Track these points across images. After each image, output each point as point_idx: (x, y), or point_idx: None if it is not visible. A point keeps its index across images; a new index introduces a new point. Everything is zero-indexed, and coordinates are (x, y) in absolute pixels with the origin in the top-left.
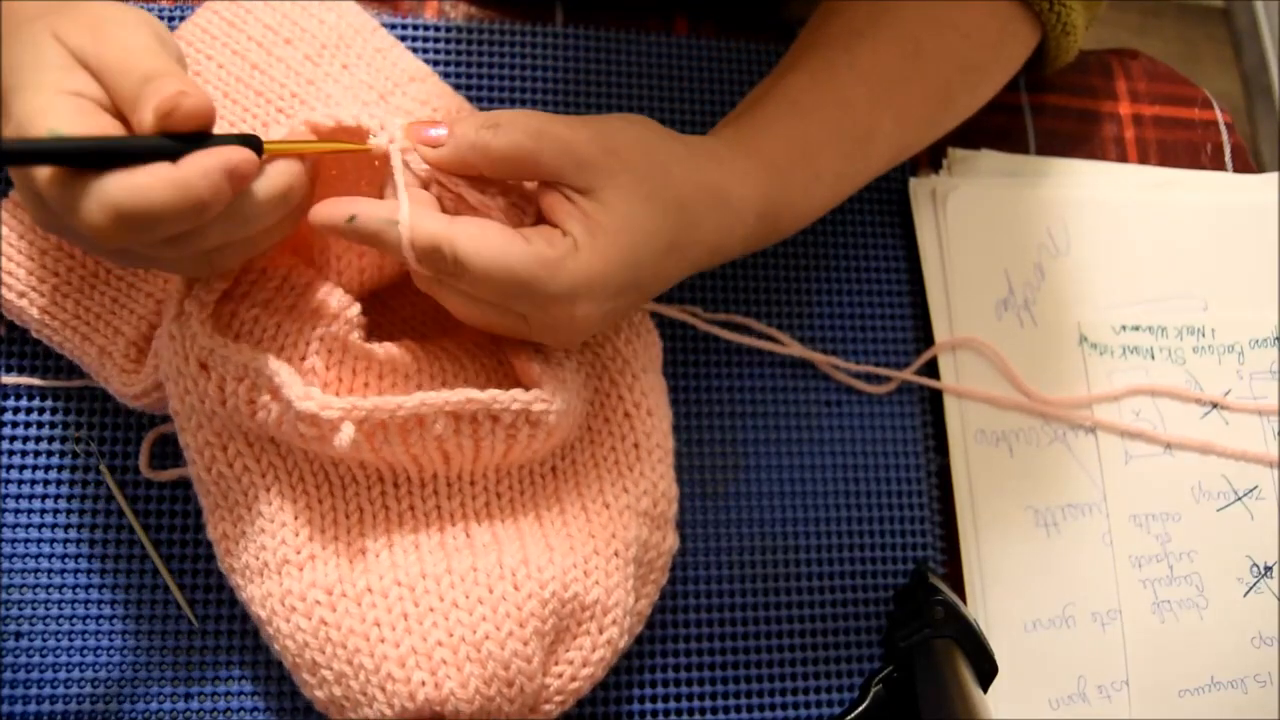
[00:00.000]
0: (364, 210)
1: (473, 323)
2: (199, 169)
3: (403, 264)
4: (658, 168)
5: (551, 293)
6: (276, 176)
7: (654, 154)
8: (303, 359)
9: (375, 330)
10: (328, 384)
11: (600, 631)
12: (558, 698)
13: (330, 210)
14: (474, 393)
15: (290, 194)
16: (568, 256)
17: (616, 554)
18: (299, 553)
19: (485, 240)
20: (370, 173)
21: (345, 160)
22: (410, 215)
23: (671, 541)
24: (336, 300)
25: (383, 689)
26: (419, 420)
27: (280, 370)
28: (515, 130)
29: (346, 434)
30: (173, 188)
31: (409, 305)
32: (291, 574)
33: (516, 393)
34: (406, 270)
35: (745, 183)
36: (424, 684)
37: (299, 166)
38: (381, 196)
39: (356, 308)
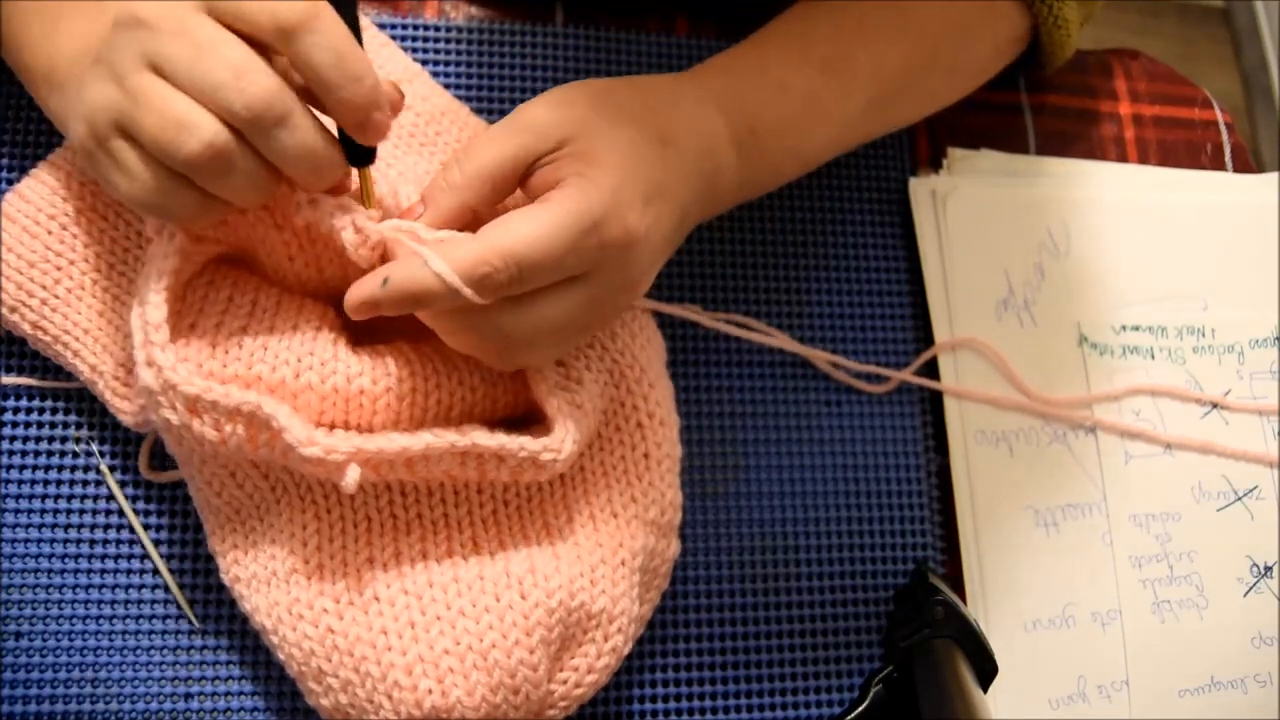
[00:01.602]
0: (393, 271)
1: (557, 352)
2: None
3: (372, 265)
4: (604, 95)
5: (598, 220)
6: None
7: (595, 89)
8: (296, 376)
9: (363, 332)
10: (325, 397)
11: (605, 640)
12: (562, 704)
13: (361, 287)
14: (482, 438)
15: (331, 182)
16: (585, 185)
17: (623, 563)
18: (307, 562)
19: (521, 227)
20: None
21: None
22: (439, 255)
23: (675, 549)
24: (312, 311)
25: (389, 697)
26: (424, 455)
27: (278, 412)
28: (473, 152)
29: (353, 476)
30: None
31: None
32: (299, 583)
33: (525, 441)
34: (374, 266)
35: (697, 88)
36: (430, 692)
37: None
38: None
39: (331, 314)
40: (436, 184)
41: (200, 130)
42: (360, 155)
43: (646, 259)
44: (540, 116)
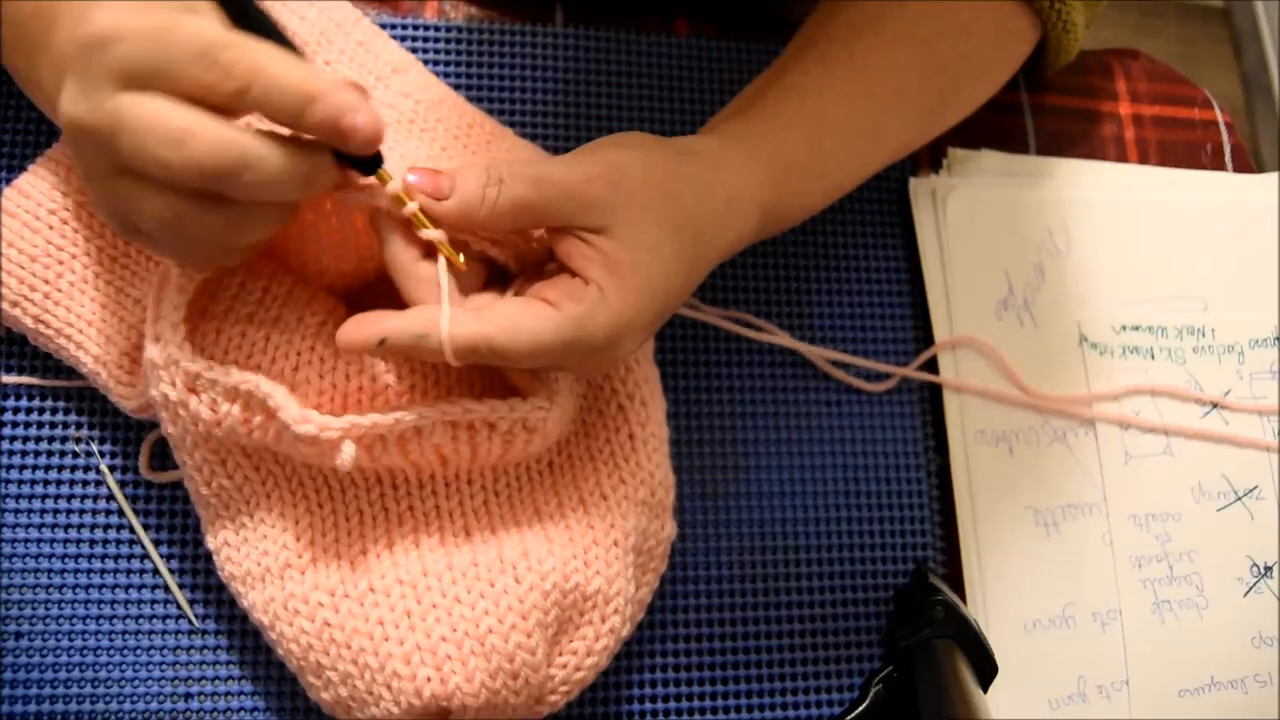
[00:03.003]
0: (394, 330)
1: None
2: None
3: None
4: (664, 192)
5: (592, 346)
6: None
7: (659, 179)
8: (295, 369)
9: None
10: (323, 391)
11: (603, 621)
12: (563, 688)
13: (358, 334)
14: (472, 405)
15: (312, 182)
16: (597, 307)
17: (616, 543)
18: (301, 556)
19: (518, 326)
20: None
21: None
22: (446, 326)
23: (670, 529)
24: (321, 305)
25: (389, 687)
26: (417, 431)
27: (275, 392)
28: (517, 185)
29: (348, 453)
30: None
31: (395, 301)
32: (294, 578)
33: (514, 402)
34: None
35: (750, 182)
36: (430, 680)
37: (335, 174)
38: (366, 223)
39: (341, 310)
40: (474, 195)
41: (190, 229)
42: (364, 164)
43: (624, 358)
44: (592, 193)
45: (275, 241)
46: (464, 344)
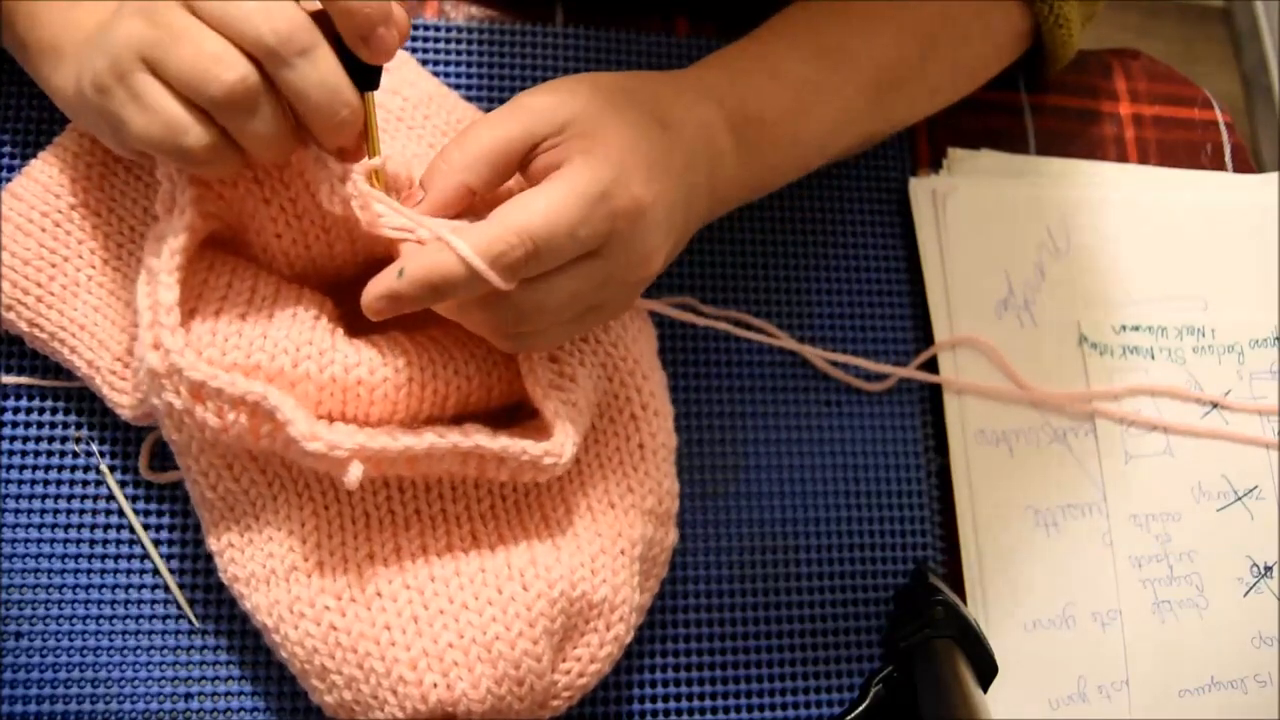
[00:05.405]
0: (409, 261)
1: (566, 335)
2: None
3: (358, 253)
4: (606, 83)
5: (608, 186)
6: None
7: (598, 78)
8: (294, 365)
9: (359, 322)
10: (323, 387)
11: (608, 629)
12: (565, 693)
13: (377, 284)
14: (485, 440)
15: (348, 131)
16: (590, 158)
17: (623, 552)
18: (307, 559)
19: (534, 204)
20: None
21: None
22: (460, 237)
23: (673, 537)
24: (310, 300)
25: (394, 692)
26: (427, 454)
27: (284, 404)
28: (473, 133)
29: (355, 474)
30: None
31: None
32: (299, 580)
33: (528, 445)
34: (368, 256)
35: (695, 81)
36: (436, 685)
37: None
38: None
39: (329, 304)
40: (436, 166)
41: (235, 65)
42: (364, 79)
43: (655, 232)
44: (543, 101)
45: (246, 232)
46: (486, 243)
